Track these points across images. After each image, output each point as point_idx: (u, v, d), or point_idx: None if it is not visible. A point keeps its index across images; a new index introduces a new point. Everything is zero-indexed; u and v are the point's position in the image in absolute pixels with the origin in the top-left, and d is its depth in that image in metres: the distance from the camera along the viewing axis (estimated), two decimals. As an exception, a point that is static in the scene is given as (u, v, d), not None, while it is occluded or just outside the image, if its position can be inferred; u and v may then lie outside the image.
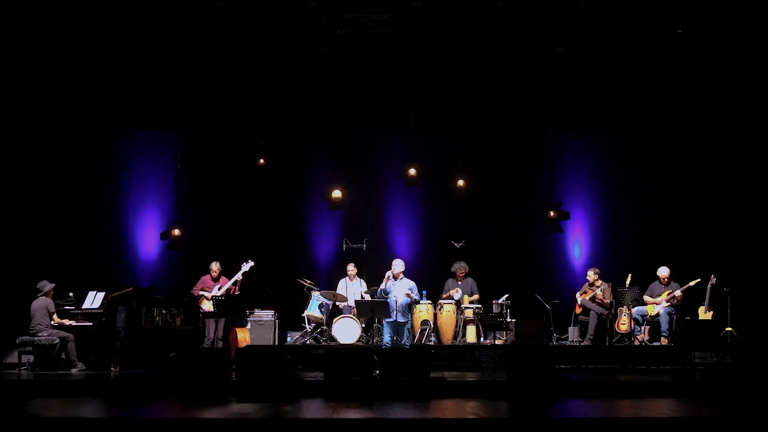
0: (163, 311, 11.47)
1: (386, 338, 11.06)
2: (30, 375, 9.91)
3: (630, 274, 11.66)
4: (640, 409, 7.74)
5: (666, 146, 13.22)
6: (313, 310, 11.81)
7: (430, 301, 11.70)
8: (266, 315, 11.49)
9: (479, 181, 13.31)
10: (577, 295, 11.98)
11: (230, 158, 13.30)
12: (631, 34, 12.08)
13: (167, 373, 9.28)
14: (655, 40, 12.17)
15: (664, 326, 11.48)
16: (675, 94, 12.99)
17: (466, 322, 11.70)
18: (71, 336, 10.36)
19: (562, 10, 11.55)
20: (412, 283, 11.34)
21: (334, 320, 11.39)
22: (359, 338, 11.29)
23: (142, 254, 13.24)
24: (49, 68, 12.09)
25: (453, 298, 11.82)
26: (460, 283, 12.09)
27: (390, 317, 10.95)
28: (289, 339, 11.87)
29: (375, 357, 9.06)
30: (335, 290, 12.13)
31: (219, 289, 11.42)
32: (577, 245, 13.57)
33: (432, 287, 11.98)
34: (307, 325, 11.81)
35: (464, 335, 11.69)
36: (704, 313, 11.44)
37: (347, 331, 11.23)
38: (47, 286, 10.48)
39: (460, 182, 13.19)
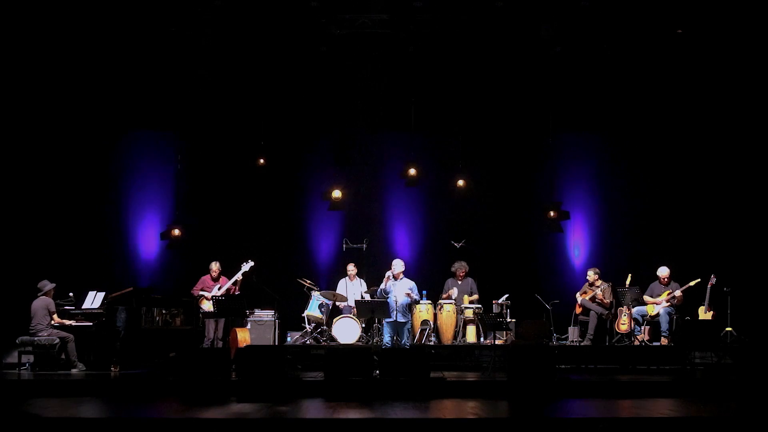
0: (163, 311, 11.46)
1: (386, 338, 11.07)
2: (30, 375, 9.91)
3: (630, 274, 11.66)
4: (640, 409, 7.75)
5: (666, 146, 13.21)
6: (313, 310, 11.81)
7: (430, 301, 11.70)
8: (266, 315, 11.49)
9: (479, 181, 13.31)
10: (577, 295, 11.98)
11: (230, 158, 13.30)
12: (631, 34, 12.09)
13: (167, 373, 9.27)
14: (655, 41, 12.17)
15: (664, 326, 11.48)
16: (675, 94, 12.99)
17: (466, 322, 11.70)
18: (71, 336, 10.36)
19: (562, 10, 11.56)
20: (412, 283, 11.35)
21: (334, 320, 11.39)
22: (359, 338, 11.29)
23: (142, 254, 13.24)
24: (49, 68, 12.08)
25: (451, 298, 11.82)
26: (459, 282, 12.09)
27: (390, 317, 10.95)
28: (289, 339, 11.87)
29: (375, 357, 9.06)
30: (335, 290, 12.13)
31: (219, 289, 11.43)
32: (577, 245, 13.58)
33: (432, 287, 11.97)
34: (307, 325, 11.81)
35: (464, 335, 11.69)
36: (704, 313, 11.44)
37: (347, 331, 11.23)
38: (48, 285, 10.49)
39: (460, 182, 13.19)
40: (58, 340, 10.23)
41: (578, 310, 11.95)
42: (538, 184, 13.52)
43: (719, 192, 12.86)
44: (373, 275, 12.20)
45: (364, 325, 11.41)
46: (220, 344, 11.07)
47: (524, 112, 13.35)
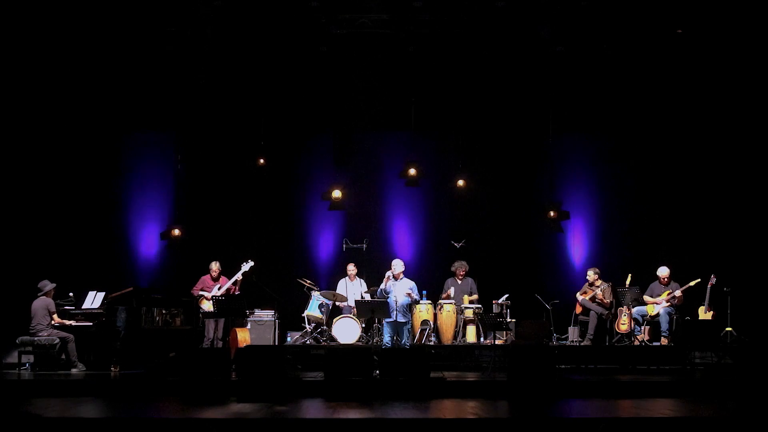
0: (163, 311, 11.46)
1: (386, 338, 11.07)
2: (30, 375, 9.91)
3: (630, 274, 11.66)
4: (640, 409, 7.74)
5: (666, 146, 13.20)
6: (313, 310, 11.81)
7: (430, 301, 11.70)
8: (266, 315, 11.48)
9: (479, 181, 13.31)
10: (577, 295, 11.98)
11: (230, 158, 13.30)
12: (631, 34, 12.09)
13: (167, 373, 9.27)
14: (655, 41, 12.17)
15: (664, 326, 11.48)
16: (675, 95, 12.98)
17: (466, 322, 11.70)
18: (71, 336, 10.36)
19: (562, 10, 11.55)
20: (412, 283, 11.35)
21: (334, 320, 11.39)
22: (359, 338, 11.29)
23: (142, 254, 13.24)
24: (48, 67, 12.08)
25: (450, 298, 11.82)
26: (459, 282, 12.09)
27: (390, 317, 10.95)
28: (289, 339, 11.87)
29: (375, 357, 9.06)
30: (335, 290, 12.13)
31: (219, 289, 11.43)
32: (577, 245, 13.57)
33: (432, 287, 11.97)
34: (307, 325, 11.81)
35: (464, 335, 11.69)
36: (704, 313, 11.44)
37: (347, 331, 11.23)
38: (48, 285, 10.49)
39: (460, 182, 13.18)
40: (58, 340, 10.24)
41: (578, 310, 11.95)
42: (538, 184, 13.52)
43: (719, 192, 12.85)
44: (373, 275, 12.20)
45: (364, 325, 11.41)
46: (220, 344, 11.07)
47: (524, 112, 13.34)
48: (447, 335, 11.61)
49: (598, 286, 11.73)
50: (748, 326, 11.62)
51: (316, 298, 11.85)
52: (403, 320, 11.09)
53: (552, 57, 12.48)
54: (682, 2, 11.45)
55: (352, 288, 12.11)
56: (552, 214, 13.31)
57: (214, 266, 11.59)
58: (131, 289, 11.17)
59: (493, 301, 11.81)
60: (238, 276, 11.38)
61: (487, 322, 10.44)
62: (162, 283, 12.69)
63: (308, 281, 12.11)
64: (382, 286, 11.28)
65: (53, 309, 10.45)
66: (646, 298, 11.75)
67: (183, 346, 10.55)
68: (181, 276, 12.34)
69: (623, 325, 11.58)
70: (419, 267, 12.98)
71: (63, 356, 10.35)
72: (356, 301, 11.21)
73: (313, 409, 7.82)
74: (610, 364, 10.74)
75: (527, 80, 13.03)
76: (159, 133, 13.37)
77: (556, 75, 12.87)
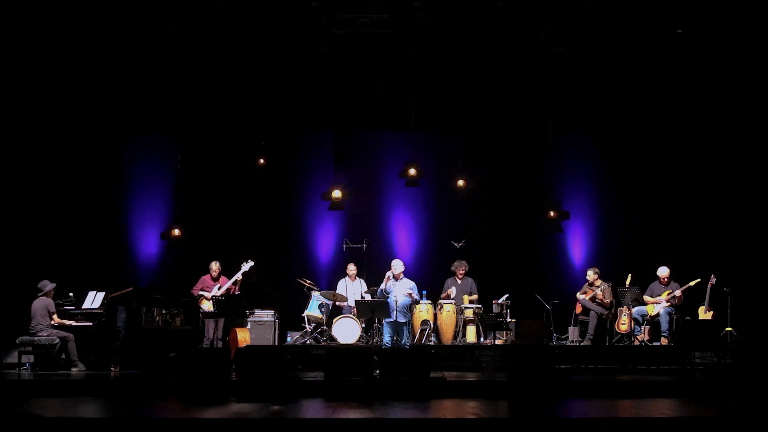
0: (163, 311, 11.46)
1: (386, 338, 11.07)
2: (30, 375, 9.91)
3: (630, 274, 11.66)
4: (640, 409, 7.75)
5: (666, 146, 13.21)
6: (313, 310, 11.81)
7: (430, 301, 11.70)
8: (266, 315, 11.48)
9: (479, 181, 13.31)
10: (578, 295, 11.98)
11: (230, 158, 13.30)
12: (632, 34, 12.08)
13: (167, 373, 9.27)
14: (655, 40, 12.17)
15: (664, 326, 11.48)
16: (675, 94, 12.98)
17: (466, 322, 11.70)
18: (71, 336, 10.36)
19: (562, 10, 11.55)
20: (412, 283, 11.35)
21: (334, 320, 11.39)
22: (359, 338, 11.29)
23: (142, 254, 13.24)
24: (48, 67, 12.07)
25: (450, 297, 11.82)
26: (459, 282, 12.09)
27: (390, 317, 10.95)
28: (289, 339, 11.87)
29: (375, 357, 9.05)
30: (335, 290, 12.13)
31: (219, 288, 11.43)
32: (577, 245, 13.57)
33: (432, 287, 11.98)
34: (307, 325, 11.81)
35: (464, 335, 11.69)
36: (704, 313, 11.44)
37: (347, 331, 11.23)
38: (48, 285, 10.49)
39: (460, 182, 13.17)
40: (58, 340, 10.24)
41: (578, 310, 11.95)
42: (538, 184, 13.51)
43: (719, 192, 12.86)
44: (373, 275, 12.20)
45: (364, 325, 11.41)
46: (220, 344, 11.07)
47: (524, 112, 13.34)
48: (447, 335, 11.61)
49: (598, 286, 11.73)
50: (748, 326, 11.62)
51: (316, 298, 11.85)
52: (403, 320, 11.09)
53: (552, 57, 12.48)
54: (682, 2, 11.45)
55: (352, 288, 12.10)
56: (552, 214, 13.31)
57: (214, 266, 11.59)
58: (131, 289, 11.17)
59: (493, 301, 11.81)
60: (238, 276, 11.38)
61: (487, 322, 10.44)
62: (162, 283, 12.69)
63: (308, 281, 12.11)
64: (382, 286, 11.28)
65: (53, 309, 10.45)
66: (646, 298, 11.75)
67: (183, 346, 10.54)
68: (181, 276, 12.34)
69: (623, 325, 11.59)
70: (419, 267, 12.98)
71: (63, 356, 10.35)
72: (356, 301, 11.20)
73: (313, 409, 7.82)
74: (610, 364, 10.73)
75: (527, 80, 13.03)
76: (159, 134, 13.36)
77: (556, 75, 12.87)
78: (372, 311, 10.88)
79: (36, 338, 10.20)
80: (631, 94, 13.07)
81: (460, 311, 11.76)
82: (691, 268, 11.76)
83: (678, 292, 11.53)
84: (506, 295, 11.85)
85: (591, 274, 11.87)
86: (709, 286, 11.44)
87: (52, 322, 10.39)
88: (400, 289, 11.16)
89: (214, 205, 13.27)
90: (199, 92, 12.86)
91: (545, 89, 13.03)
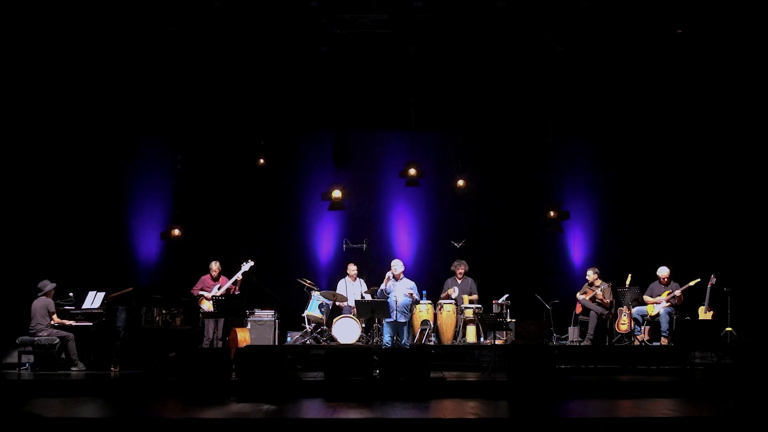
0: (163, 311, 11.46)
1: (386, 338, 11.07)
2: (30, 375, 9.91)
3: (630, 274, 11.66)
4: (640, 409, 7.74)
5: (666, 146, 13.21)
6: (313, 310, 11.81)
7: (430, 301, 11.70)
8: (266, 315, 11.48)
9: (479, 181, 13.30)
10: (578, 295, 11.98)
11: (230, 158, 13.30)
12: (632, 34, 12.08)
13: (167, 373, 9.27)
14: (655, 41, 12.17)
15: (664, 326, 11.48)
16: (676, 95, 12.98)
17: (466, 322, 11.70)
18: (71, 336, 10.36)
19: (562, 10, 11.55)
20: (412, 283, 11.36)
21: (334, 320, 11.39)
22: (359, 338, 11.29)
23: (142, 254, 13.23)
24: (47, 67, 12.06)
25: (451, 297, 11.82)
26: (459, 282, 12.10)
27: (390, 317, 10.95)
28: (289, 339, 11.87)
29: (375, 357, 9.06)
30: (335, 290, 12.13)
31: (219, 288, 11.43)
32: (577, 245, 13.57)
33: (432, 287, 11.99)
34: (307, 325, 11.81)
35: (464, 335, 11.69)
36: (704, 313, 11.44)
37: (347, 331, 11.23)
38: (48, 285, 10.49)
39: (460, 182, 13.17)
40: (58, 340, 10.24)
41: (578, 310, 11.95)
42: (538, 184, 13.51)
43: (719, 192, 12.86)
44: (373, 275, 12.20)
45: (364, 325, 11.41)
46: (220, 344, 11.06)
47: (524, 112, 13.34)
48: (447, 335, 11.61)
49: (598, 286, 11.73)
50: (748, 326, 11.62)
51: (316, 298, 11.85)
52: (403, 320, 11.09)
53: (552, 57, 12.48)
54: (682, 2, 11.45)
55: (352, 288, 12.10)
56: (552, 214, 13.30)
57: (214, 266, 11.59)
58: (131, 289, 11.16)
59: (493, 301, 11.81)
60: (238, 276, 11.38)
61: (487, 322, 10.44)
62: (162, 283, 12.67)
63: (308, 281, 12.11)
64: (383, 286, 11.29)
65: (53, 309, 10.45)
66: (646, 298, 11.75)
67: (183, 346, 10.56)
68: (181, 276, 12.33)
69: (623, 325, 11.59)
70: (419, 267, 12.99)
71: (63, 356, 10.35)
72: (356, 301, 11.20)
73: (313, 409, 7.82)
74: (610, 364, 10.73)
75: (527, 80, 13.02)
76: (159, 134, 13.35)
77: (556, 75, 12.86)
78: (372, 311, 10.88)
79: (36, 338, 10.21)
80: (631, 93, 13.06)
81: (460, 311, 11.76)
82: (691, 268, 11.76)
83: (678, 292, 11.53)
84: (506, 295, 11.85)
85: (591, 274, 11.87)
86: (709, 286, 11.44)
87: (52, 322, 10.39)
88: (400, 289, 11.17)
89: (214, 205, 13.27)
90: (199, 92, 12.85)
91: (545, 89, 13.02)
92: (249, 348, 9.36)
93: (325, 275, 13.20)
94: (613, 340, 11.68)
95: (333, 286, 12.38)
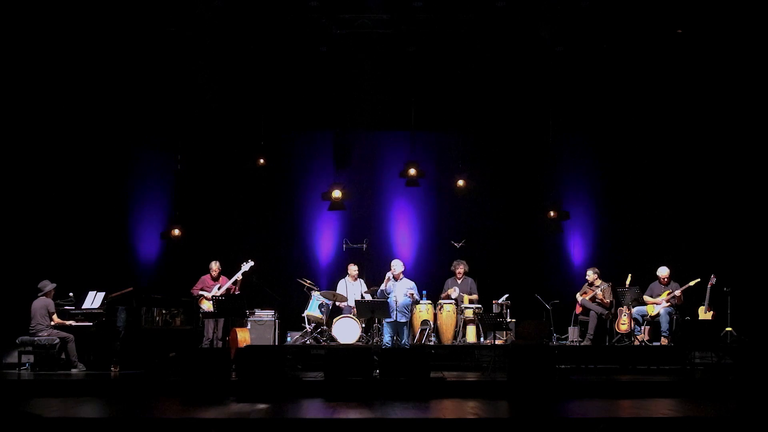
0: (163, 311, 11.46)
1: (386, 338, 11.07)
2: (30, 375, 9.91)
3: (630, 274, 11.66)
4: (640, 409, 7.74)
5: (666, 146, 13.21)
6: (313, 310, 11.81)
7: (430, 301, 11.70)
8: (266, 315, 11.49)
9: (479, 180, 13.29)
10: (578, 295, 11.98)
11: (230, 158, 13.30)
12: (632, 34, 12.08)
13: (167, 373, 9.27)
14: (655, 41, 12.17)
15: (664, 326, 11.48)
16: (676, 95, 12.98)
17: (466, 322, 11.70)
18: (71, 336, 10.36)
19: (562, 10, 11.56)
20: (412, 283, 11.36)
21: (334, 320, 11.39)
22: (359, 338, 11.29)
23: (142, 254, 13.23)
24: (47, 67, 12.05)
25: (451, 297, 11.83)
26: (459, 281, 12.10)
27: (390, 317, 10.95)
28: (289, 339, 11.87)
29: (375, 357, 9.06)
30: (335, 290, 12.13)
31: (219, 288, 11.43)
32: (577, 245, 13.57)
33: (432, 287, 11.99)
34: (307, 325, 11.81)
35: (464, 335, 11.69)
36: (704, 313, 11.44)
37: (347, 331, 11.23)
38: (48, 286, 10.49)
39: (460, 182, 13.16)
40: (58, 340, 10.24)
41: (578, 310, 11.95)
42: (538, 183, 13.50)
43: (719, 192, 12.85)
44: (373, 275, 12.20)
45: (364, 325, 11.41)
46: (220, 344, 11.06)
47: (525, 112, 13.34)
48: (447, 335, 11.61)
49: (597, 286, 11.74)
50: (748, 326, 11.62)
51: (316, 298, 11.85)
52: (403, 320, 11.09)
53: (552, 57, 12.48)
54: (682, 2, 11.45)
55: (353, 288, 12.10)
56: (552, 214, 13.27)
57: (214, 266, 11.59)
58: (131, 289, 11.16)
59: (493, 301, 11.81)
60: (238, 276, 11.38)
61: (487, 322, 10.45)
62: (162, 283, 12.67)
63: (308, 281, 12.11)
64: (383, 287, 11.29)
65: (53, 309, 10.46)
66: (646, 298, 11.75)
67: (183, 346, 10.55)
68: (181, 276, 12.33)
69: (623, 325, 11.59)
70: (419, 267, 12.99)
71: (63, 356, 10.36)
72: (356, 301, 11.20)
73: (313, 409, 7.82)
74: (610, 364, 10.72)
75: (527, 80, 13.02)
76: (159, 134, 13.33)
77: (556, 75, 12.86)
78: (372, 311, 10.88)
79: (36, 338, 10.21)
80: (631, 93, 13.05)
81: (460, 311, 11.76)
82: (691, 268, 11.76)
83: (678, 292, 11.53)
84: (506, 295, 11.85)
85: (591, 274, 11.87)
86: (709, 286, 11.44)
87: (52, 323, 10.39)
88: (400, 289, 11.17)
89: (214, 205, 13.27)
90: (199, 92, 12.83)
91: (545, 89, 13.02)
92: (249, 348, 9.37)
93: (325, 275, 13.20)
94: (613, 340, 11.68)
95: (333, 286, 12.38)
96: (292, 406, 7.87)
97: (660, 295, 11.69)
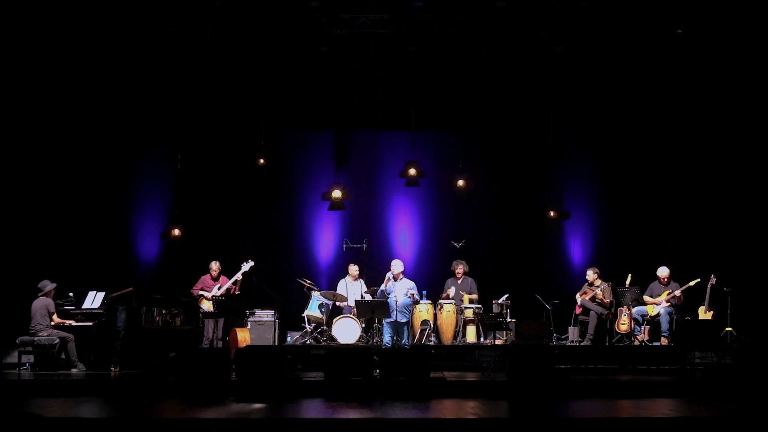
0: (163, 311, 11.46)
1: (386, 338, 11.07)
2: (30, 375, 9.91)
3: (630, 274, 11.66)
4: (640, 409, 7.75)
5: (666, 146, 13.21)
6: (313, 310, 11.81)
7: (430, 301, 11.70)
8: (266, 315, 11.48)
9: (479, 180, 13.29)
10: (577, 295, 11.98)
11: (230, 158, 13.30)
12: (632, 34, 12.09)
13: (167, 373, 9.27)
14: (655, 41, 12.17)
15: (664, 326, 11.48)
16: (676, 95, 12.98)
17: (466, 322, 11.70)
18: (71, 336, 10.36)
19: (562, 10, 11.56)
20: (412, 283, 11.37)
21: (334, 320, 11.39)
22: (359, 338, 11.29)
23: (142, 254, 13.23)
24: (48, 67, 12.06)
25: (450, 297, 11.83)
26: (459, 281, 12.10)
27: (390, 317, 10.95)
28: (289, 339, 11.87)
29: (375, 357, 9.06)
30: (335, 290, 12.13)
31: (219, 288, 11.43)
32: (577, 245, 13.57)
33: (432, 287, 11.99)
34: (307, 325, 11.80)
35: (464, 335, 11.69)
36: (704, 313, 11.44)
37: (347, 331, 11.23)
38: (48, 285, 10.49)
39: (460, 182, 13.15)
40: (58, 340, 10.24)
41: (578, 310, 11.95)
42: (538, 183, 13.50)
43: (719, 192, 12.86)
44: (373, 275, 12.20)
45: (364, 325, 11.41)
46: (220, 344, 11.06)
47: (525, 112, 13.35)
48: (447, 335, 11.61)
49: (597, 286, 11.73)
50: (748, 326, 11.62)
51: (316, 298, 11.85)
52: (403, 320, 11.09)
53: (552, 57, 12.48)
54: (682, 2, 11.45)
55: (353, 288, 12.10)
56: (552, 214, 13.27)
57: (214, 266, 11.59)
58: (131, 289, 11.15)
59: (493, 301, 11.81)
60: (238, 276, 11.38)
61: (487, 322, 10.44)
62: (162, 283, 12.65)
63: (308, 281, 12.11)
64: (382, 287, 11.30)
65: (53, 309, 10.46)
66: (646, 298, 11.75)
67: (183, 346, 10.55)
68: (181, 276, 12.32)
69: (623, 325, 11.58)
70: (419, 267, 12.99)
71: (63, 356, 10.35)
72: (356, 301, 11.21)
73: (313, 409, 7.82)
74: (610, 364, 10.73)
75: (528, 80, 13.03)
76: (159, 134, 13.34)
77: (556, 75, 12.86)
78: (372, 311, 10.88)
79: (36, 338, 10.20)
80: (631, 94, 13.06)
81: (460, 311, 11.76)
82: (691, 268, 11.75)
83: (678, 292, 11.53)
84: (506, 295, 11.85)
85: (591, 274, 11.87)
86: (709, 286, 11.44)
87: (52, 322, 10.39)
88: (400, 289, 11.17)
89: (214, 205, 13.26)
90: (199, 92, 12.85)
91: (545, 89, 13.03)
92: (249, 348, 9.36)
93: (325, 275, 13.20)
94: (613, 340, 11.68)
95: (333, 286, 12.38)
96: (292, 406, 7.87)
97: (660, 295, 11.69)
